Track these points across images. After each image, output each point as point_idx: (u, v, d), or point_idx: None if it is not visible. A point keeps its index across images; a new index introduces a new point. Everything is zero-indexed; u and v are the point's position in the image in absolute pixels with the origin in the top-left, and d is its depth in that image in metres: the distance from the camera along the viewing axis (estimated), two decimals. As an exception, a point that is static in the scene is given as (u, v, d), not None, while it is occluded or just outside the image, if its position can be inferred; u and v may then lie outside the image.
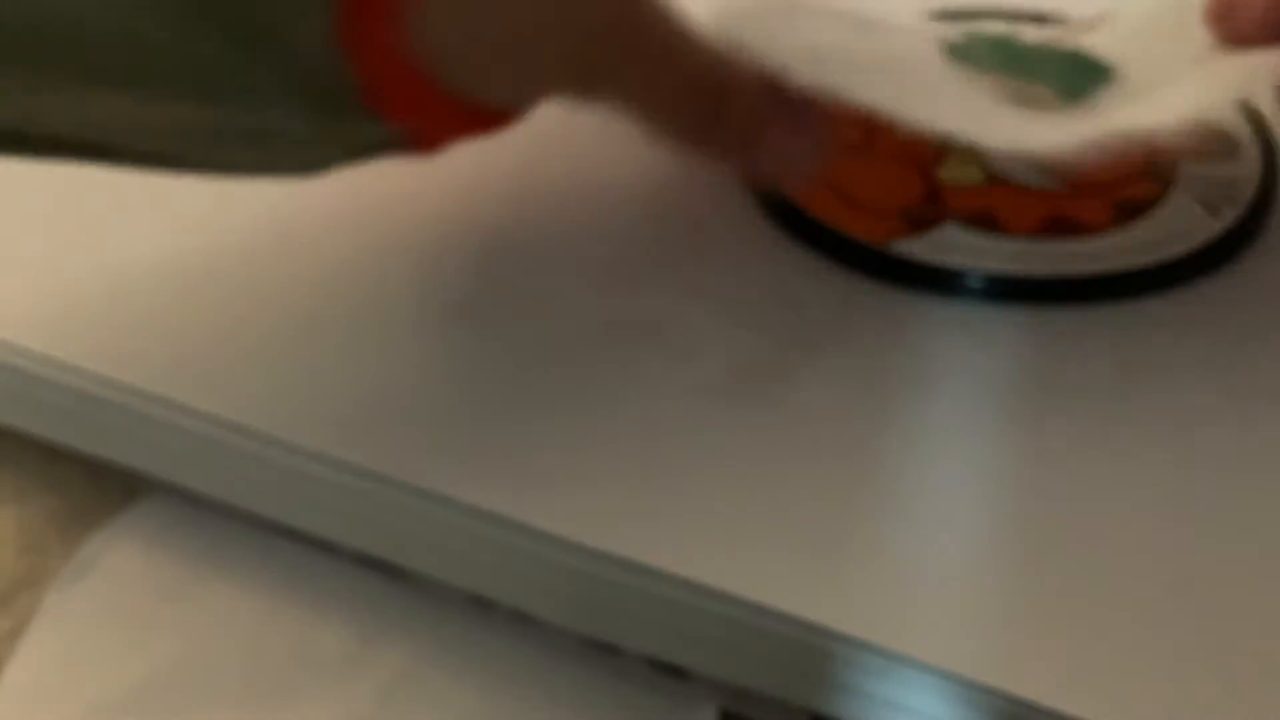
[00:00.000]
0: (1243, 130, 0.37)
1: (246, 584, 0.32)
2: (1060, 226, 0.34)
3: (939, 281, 0.33)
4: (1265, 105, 0.36)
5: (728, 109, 0.30)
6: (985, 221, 0.34)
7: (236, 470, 0.31)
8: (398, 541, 0.30)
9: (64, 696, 0.30)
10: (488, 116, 0.28)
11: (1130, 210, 0.35)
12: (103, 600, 0.32)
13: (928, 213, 0.35)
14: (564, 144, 0.36)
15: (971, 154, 0.35)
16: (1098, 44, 0.36)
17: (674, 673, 0.29)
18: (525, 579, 0.29)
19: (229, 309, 0.33)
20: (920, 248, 0.34)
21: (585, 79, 0.29)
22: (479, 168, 0.35)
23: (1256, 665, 0.25)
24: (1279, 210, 0.35)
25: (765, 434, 0.30)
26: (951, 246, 0.34)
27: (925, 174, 0.36)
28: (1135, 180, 0.35)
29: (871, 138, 0.36)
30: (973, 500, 0.29)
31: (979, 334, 0.32)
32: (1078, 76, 0.35)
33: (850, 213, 0.35)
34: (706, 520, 0.28)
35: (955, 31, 0.37)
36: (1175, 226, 0.34)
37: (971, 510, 0.29)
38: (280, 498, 0.31)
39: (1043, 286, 0.33)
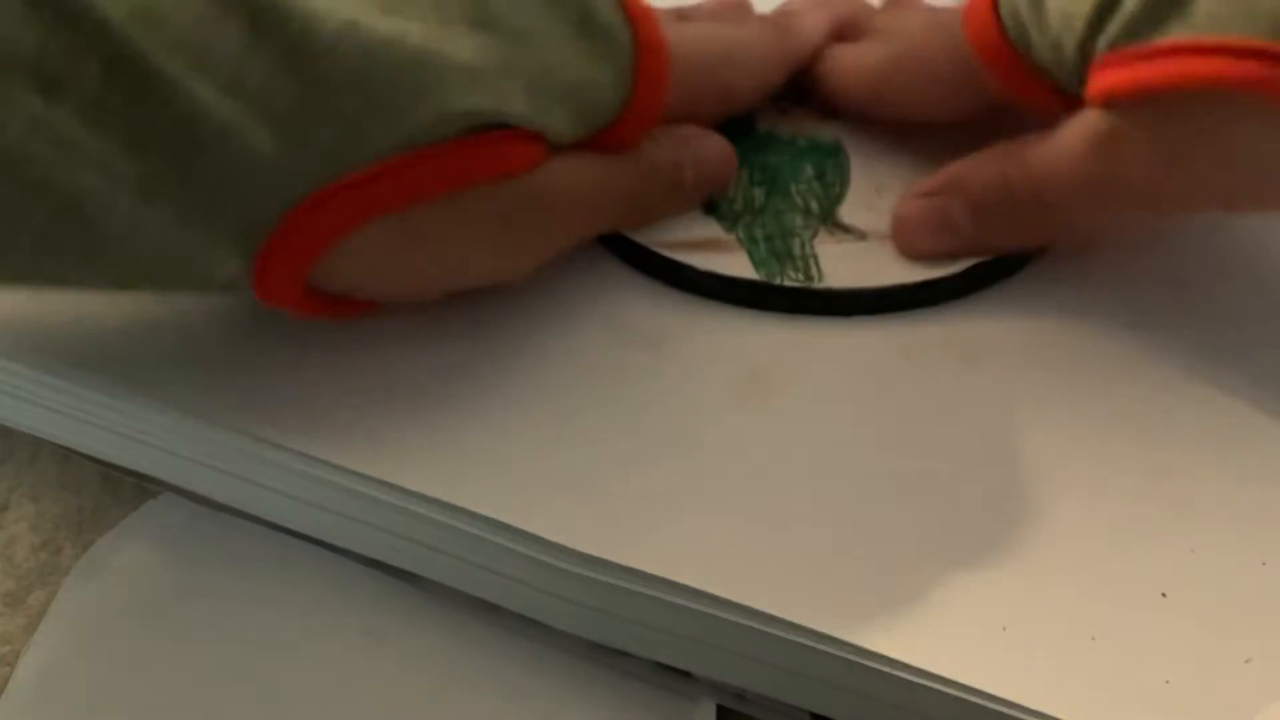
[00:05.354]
0: None
1: (254, 583, 0.32)
2: None
3: None
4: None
5: None
6: None
7: (244, 476, 0.31)
8: (405, 547, 0.30)
9: (75, 691, 0.30)
10: (357, 306, 0.31)
11: None
12: (114, 598, 0.32)
13: None
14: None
15: None
16: None
17: (674, 671, 0.30)
18: (531, 586, 0.29)
19: (234, 317, 0.33)
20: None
21: None
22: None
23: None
24: None
25: (762, 444, 0.30)
26: None
27: None
28: None
29: None
30: (969, 506, 0.29)
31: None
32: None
33: None
34: (705, 530, 0.28)
35: None
36: None
37: (967, 516, 0.29)
38: (288, 504, 0.31)
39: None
